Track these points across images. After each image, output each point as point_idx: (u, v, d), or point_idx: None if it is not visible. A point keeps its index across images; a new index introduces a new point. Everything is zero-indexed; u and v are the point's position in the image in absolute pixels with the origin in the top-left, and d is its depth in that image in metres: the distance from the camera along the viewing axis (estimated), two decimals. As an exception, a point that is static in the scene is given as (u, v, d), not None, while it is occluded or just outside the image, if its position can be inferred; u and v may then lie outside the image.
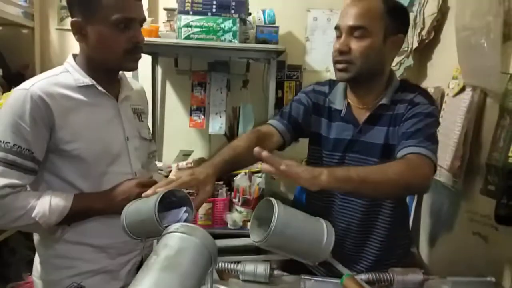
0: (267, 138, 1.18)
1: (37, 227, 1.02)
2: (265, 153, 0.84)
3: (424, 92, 1.16)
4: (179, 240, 0.66)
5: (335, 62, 1.13)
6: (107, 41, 1.04)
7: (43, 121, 1.00)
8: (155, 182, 1.11)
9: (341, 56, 1.11)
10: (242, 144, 1.08)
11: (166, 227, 0.72)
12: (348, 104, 1.20)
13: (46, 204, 1.01)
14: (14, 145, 0.98)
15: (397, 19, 1.12)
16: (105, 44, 1.04)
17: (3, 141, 0.98)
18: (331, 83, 1.27)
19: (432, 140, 1.05)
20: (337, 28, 1.13)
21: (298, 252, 0.81)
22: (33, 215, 1.00)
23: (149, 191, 0.87)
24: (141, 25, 1.10)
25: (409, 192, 1.21)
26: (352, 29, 1.09)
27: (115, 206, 1.04)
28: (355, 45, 1.09)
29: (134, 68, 1.11)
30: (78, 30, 1.05)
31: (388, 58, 1.16)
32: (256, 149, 0.85)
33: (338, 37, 1.13)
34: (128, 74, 1.24)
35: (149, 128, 1.31)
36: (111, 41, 1.04)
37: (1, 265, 1.89)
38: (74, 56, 1.12)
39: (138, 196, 1.05)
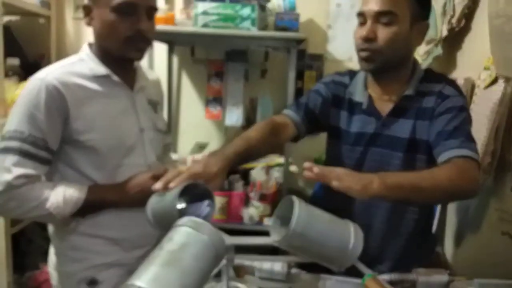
0: (282, 129, 1.14)
1: (51, 218, 1.02)
2: (316, 169, 0.81)
3: (451, 82, 1.11)
4: (185, 234, 0.64)
5: (359, 50, 1.08)
6: (108, 26, 1.02)
7: (57, 111, 1.00)
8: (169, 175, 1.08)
9: (367, 44, 1.04)
10: (255, 136, 1.05)
11: None
12: (370, 95, 1.14)
13: (60, 195, 1.01)
14: (29, 134, 0.98)
15: (423, 4, 1.07)
16: (106, 29, 1.03)
17: (18, 131, 0.98)
18: (351, 74, 1.21)
19: (471, 139, 1.02)
20: (360, 14, 1.07)
21: (321, 256, 0.77)
22: (47, 206, 0.99)
23: (157, 184, 0.84)
24: (150, 14, 1.06)
25: (460, 198, 1.15)
26: (379, 15, 1.03)
27: (129, 198, 1.05)
28: (382, 32, 1.03)
29: (137, 57, 1.09)
30: (86, 13, 1.05)
31: (414, 46, 1.11)
32: (306, 164, 0.83)
33: (362, 23, 1.07)
34: (144, 64, 1.22)
35: (164, 120, 1.30)
36: (111, 27, 1.02)
37: (18, 255, 1.91)
38: (90, 45, 1.11)
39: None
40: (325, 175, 0.82)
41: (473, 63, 1.53)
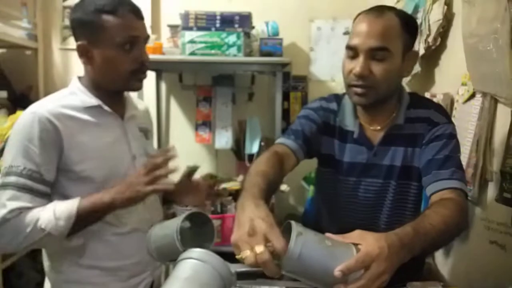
0: (285, 160, 1.08)
1: (49, 238, 0.98)
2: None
3: (438, 107, 1.12)
4: (191, 267, 0.65)
5: (352, 86, 1.03)
6: (113, 63, 1.04)
7: (52, 143, 1.01)
8: (159, 165, 1.02)
9: (361, 80, 1.00)
10: (269, 170, 0.96)
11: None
12: (360, 124, 1.12)
13: (50, 211, 0.98)
14: (24, 168, 0.98)
15: (412, 33, 1.06)
16: (111, 66, 1.05)
17: (14, 165, 0.99)
18: (337, 99, 1.18)
19: (461, 167, 1.03)
20: (351, 48, 1.02)
21: (321, 281, 0.72)
22: (40, 226, 0.97)
23: None
24: (146, 43, 1.10)
25: (456, 235, 1.05)
26: (372, 51, 0.99)
27: (123, 197, 1.00)
28: (377, 69, 0.99)
29: (139, 88, 1.12)
30: (83, 53, 1.06)
31: (405, 75, 1.08)
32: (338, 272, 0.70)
33: (352, 57, 1.02)
34: (133, 93, 1.24)
35: (154, 147, 1.32)
36: (117, 63, 1.04)
37: (9, 289, 1.87)
38: (79, 78, 1.13)
39: (149, 183, 0.99)
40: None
41: (451, 79, 1.58)
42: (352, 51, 1.02)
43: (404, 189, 1.10)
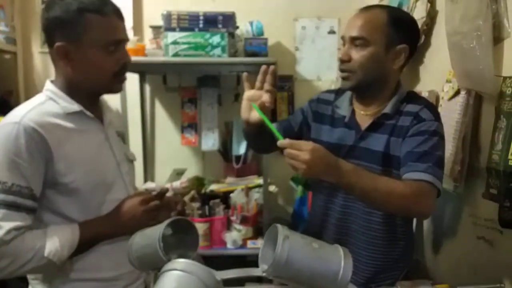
0: None
1: (49, 266, 0.96)
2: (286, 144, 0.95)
3: (430, 106, 1.18)
4: (175, 278, 0.63)
5: (340, 70, 1.18)
6: (96, 64, 1.01)
7: (40, 155, 0.95)
8: (157, 197, 1.09)
9: (343, 65, 1.15)
10: None
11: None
12: (353, 110, 1.23)
13: (56, 240, 0.96)
14: (12, 184, 0.92)
15: (401, 30, 1.14)
16: (94, 67, 1.01)
17: (0, 182, 0.92)
18: (339, 91, 1.30)
19: (440, 165, 1.08)
20: (342, 37, 1.18)
21: (310, 285, 0.72)
22: (45, 254, 0.94)
23: None
24: (126, 44, 1.09)
25: (407, 216, 1.23)
26: (353, 39, 1.13)
27: (122, 228, 1.04)
28: (355, 55, 1.13)
29: (120, 90, 1.10)
30: (63, 55, 1.00)
31: (392, 68, 1.17)
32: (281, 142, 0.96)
33: (344, 46, 1.17)
34: (117, 94, 1.21)
35: (131, 151, 1.30)
36: (100, 64, 1.01)
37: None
38: (53, 82, 1.07)
39: (144, 214, 1.04)
40: (294, 156, 0.93)
41: (436, 76, 1.59)
42: (343, 41, 1.18)
43: (387, 176, 1.12)
